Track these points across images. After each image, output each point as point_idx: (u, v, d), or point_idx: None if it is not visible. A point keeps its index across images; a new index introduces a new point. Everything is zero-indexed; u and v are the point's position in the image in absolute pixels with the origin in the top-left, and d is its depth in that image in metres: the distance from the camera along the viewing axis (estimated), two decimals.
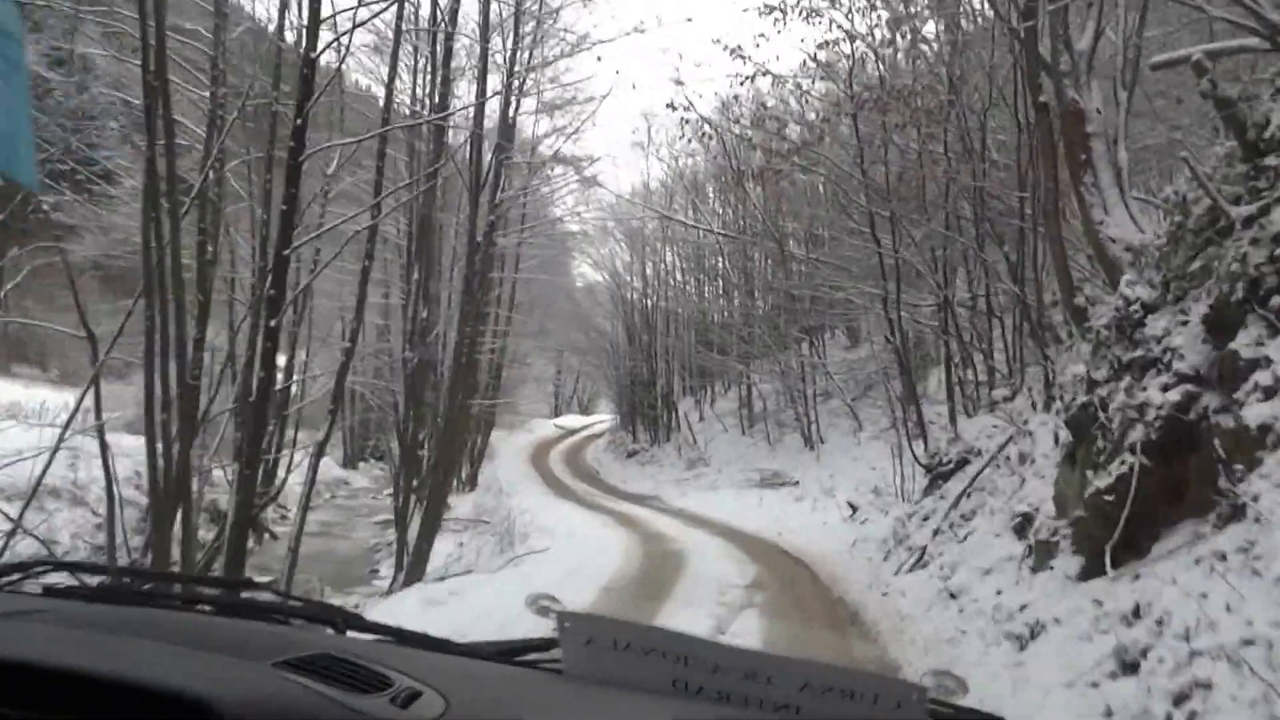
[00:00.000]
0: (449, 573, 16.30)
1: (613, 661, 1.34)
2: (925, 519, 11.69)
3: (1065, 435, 7.65)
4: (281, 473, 25.60)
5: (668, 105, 13.07)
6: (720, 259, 31.68)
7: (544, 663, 1.55)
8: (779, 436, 29.57)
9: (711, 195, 34.24)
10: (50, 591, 1.69)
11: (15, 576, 1.70)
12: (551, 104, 23.19)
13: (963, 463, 11.84)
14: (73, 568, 2.38)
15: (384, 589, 16.06)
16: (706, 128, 13.02)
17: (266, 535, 23.77)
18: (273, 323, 8.99)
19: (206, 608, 1.76)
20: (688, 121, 13.05)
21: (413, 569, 15.39)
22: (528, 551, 14.51)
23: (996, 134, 12.84)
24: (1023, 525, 8.64)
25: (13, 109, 1.54)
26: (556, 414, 51.63)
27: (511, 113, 22.21)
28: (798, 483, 24.97)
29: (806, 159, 14.32)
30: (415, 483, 17.39)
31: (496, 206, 16.10)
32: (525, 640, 1.63)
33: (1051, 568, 7.19)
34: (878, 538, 15.25)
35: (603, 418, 45.69)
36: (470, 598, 10.71)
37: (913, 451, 13.59)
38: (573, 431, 44.15)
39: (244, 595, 1.91)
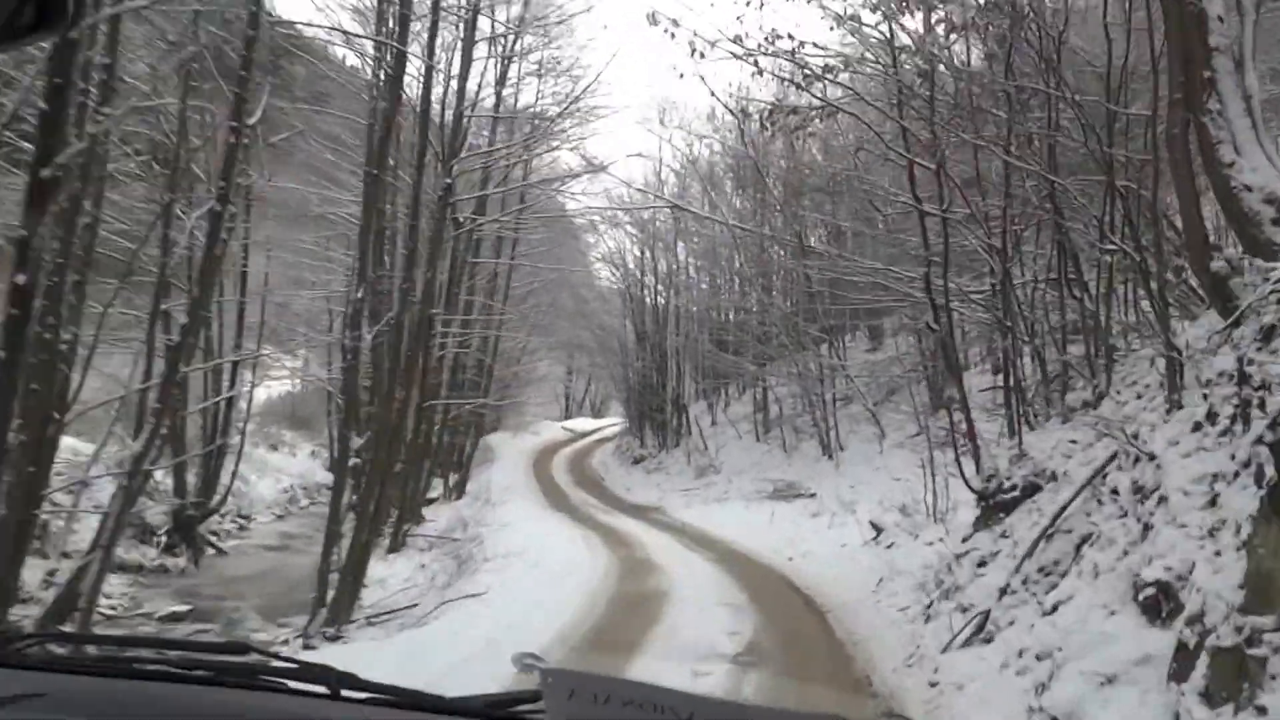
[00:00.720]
0: (391, 607, 13.10)
1: (595, 713, 1.38)
2: (982, 565, 8.28)
3: (1269, 469, 4.26)
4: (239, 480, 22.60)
5: (648, 18, 9.76)
6: (736, 253, 28.18)
7: (530, 715, 1.59)
8: (795, 443, 26.17)
9: (729, 189, 30.81)
10: (41, 664, 1.67)
11: (15, 647, 1.70)
12: (542, 66, 20.03)
13: (1031, 490, 8.43)
14: (71, 639, 2.43)
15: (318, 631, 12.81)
16: (700, 44, 9.64)
17: (211, 551, 20.61)
18: (20, 279, 5.73)
19: (202, 674, 1.68)
20: (673, 35, 9.75)
21: (338, 607, 12.14)
22: (459, 596, 11.21)
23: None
24: (1157, 603, 5.26)
25: None
26: (567, 416, 48.22)
27: (499, 73, 19.09)
28: (814, 494, 21.60)
29: (826, 97, 10.90)
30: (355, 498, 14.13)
31: (452, 167, 12.82)
32: (513, 693, 1.65)
33: (1259, 709, 3.80)
34: (910, 573, 11.93)
35: (614, 421, 42.29)
36: None
37: (961, 472, 10.16)
38: (582, 435, 40.76)
39: (240, 659, 1.76)
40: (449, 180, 12.93)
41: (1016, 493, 8.59)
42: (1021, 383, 10.28)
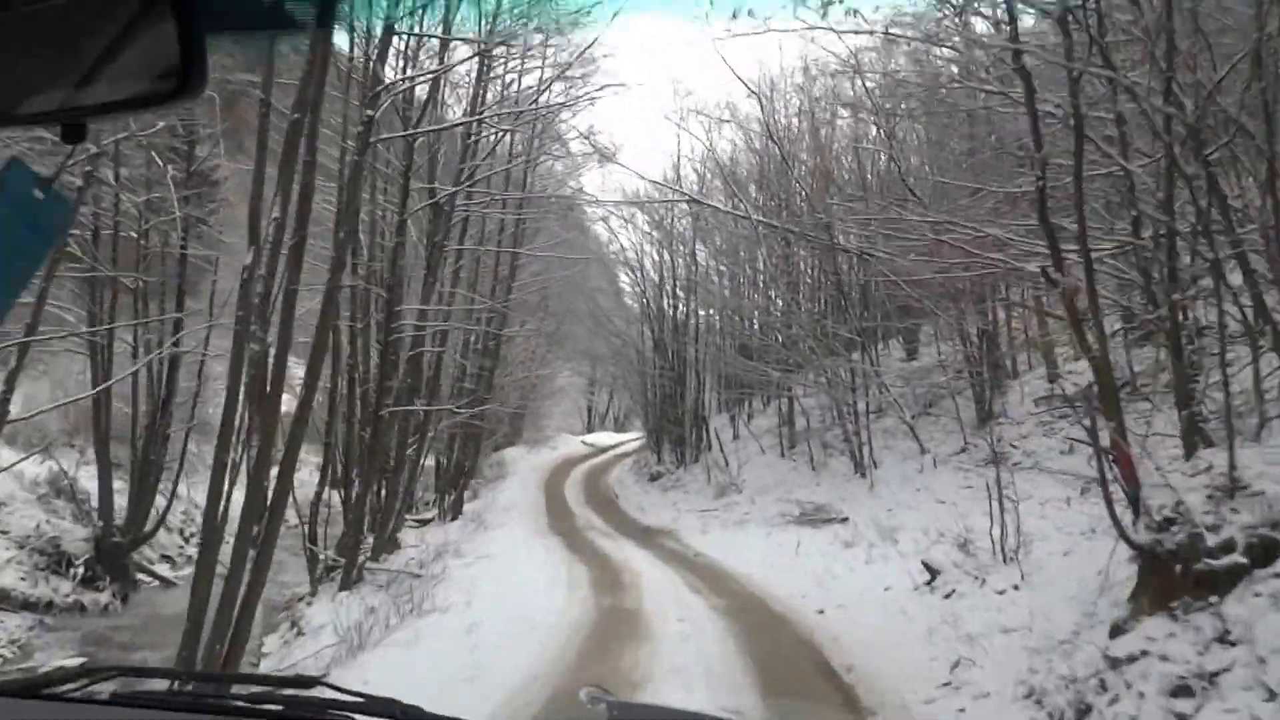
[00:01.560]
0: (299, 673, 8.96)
1: None
2: (1182, 694, 4.10)
3: None
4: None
5: None
6: (759, 250, 23.96)
7: None
8: (824, 460, 21.96)
9: (752, 190, 26.64)
10: (118, 699, 1.60)
11: (83, 682, 1.64)
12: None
13: (1266, 553, 4.27)
14: (139, 672, 2.16)
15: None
16: None
17: (154, 583, 16.80)
18: None
19: (272, 708, 1.62)
20: None
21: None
22: None
23: None
24: None
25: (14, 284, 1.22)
26: (589, 430, 44.08)
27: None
28: (846, 519, 17.42)
29: None
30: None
31: (377, 96, 8.92)
32: None
33: None
34: (988, 644, 7.93)
35: (636, 436, 38.12)
36: None
37: (1109, 510, 5.92)
38: (602, 450, 36.59)
39: (307, 693, 1.72)
40: (370, 113, 9.09)
41: (1235, 556, 4.42)
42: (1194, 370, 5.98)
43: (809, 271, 23.46)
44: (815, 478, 21.41)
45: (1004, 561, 11.21)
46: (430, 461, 24.64)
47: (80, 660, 12.38)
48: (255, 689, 1.70)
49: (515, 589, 11.60)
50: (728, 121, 22.70)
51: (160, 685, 1.79)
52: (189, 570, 18.49)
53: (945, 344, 21.20)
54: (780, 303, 23.38)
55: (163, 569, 17.85)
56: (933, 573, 11.35)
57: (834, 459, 22.01)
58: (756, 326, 25.53)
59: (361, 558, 14.32)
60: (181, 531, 19.92)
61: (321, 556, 15.02)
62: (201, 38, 0.97)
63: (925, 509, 16.33)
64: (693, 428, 27.09)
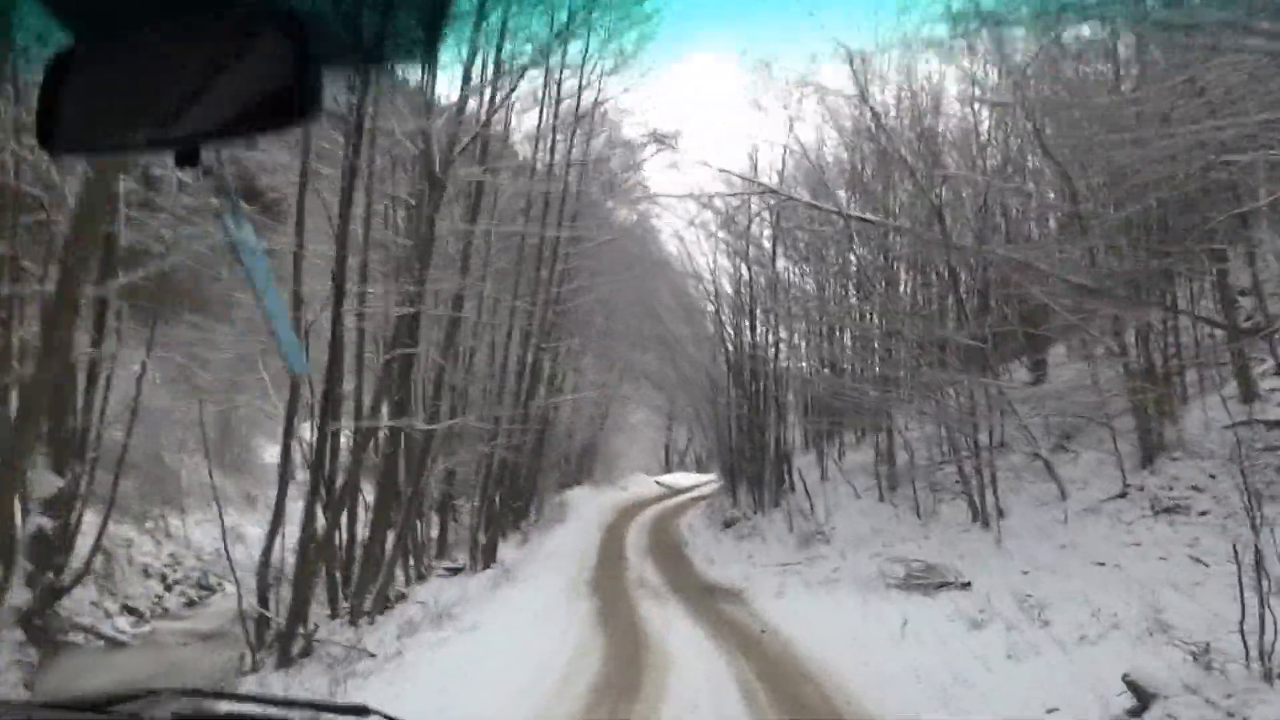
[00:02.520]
0: None
1: None
2: None
3: None
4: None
5: None
6: (851, 254, 19.19)
7: None
8: (933, 506, 17.08)
9: (843, 191, 21.96)
10: (179, 718, 1.56)
11: (145, 700, 1.60)
12: None
13: None
14: (197, 693, 1.84)
15: None
16: None
17: (91, 640, 12.95)
18: None
19: None
20: None
21: None
22: None
23: None
24: None
25: (280, 316, 1.41)
26: (667, 470, 39.39)
27: None
28: (968, 584, 12.63)
29: None
30: None
31: None
32: None
33: None
34: None
35: (715, 477, 33.40)
36: None
37: None
38: (677, 491, 31.93)
39: None
40: None
41: None
42: None
43: (911, 277, 18.67)
44: (923, 528, 16.52)
45: (1268, 681, 6.35)
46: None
47: None
48: (312, 714, 1.67)
49: (473, 693, 7.26)
50: (811, 87, 17.85)
51: (218, 706, 1.65)
52: (153, 627, 14.81)
53: (1089, 360, 16.05)
54: (877, 309, 18.53)
55: (123, 621, 14.18)
56: (1143, 697, 6.51)
57: (945, 504, 17.10)
58: (849, 343, 20.66)
59: (312, 627, 10.18)
60: (164, 577, 16.34)
61: (271, 621, 11.01)
62: (318, 66, 0.96)
63: (1079, 574, 11.47)
64: (773, 466, 22.30)
